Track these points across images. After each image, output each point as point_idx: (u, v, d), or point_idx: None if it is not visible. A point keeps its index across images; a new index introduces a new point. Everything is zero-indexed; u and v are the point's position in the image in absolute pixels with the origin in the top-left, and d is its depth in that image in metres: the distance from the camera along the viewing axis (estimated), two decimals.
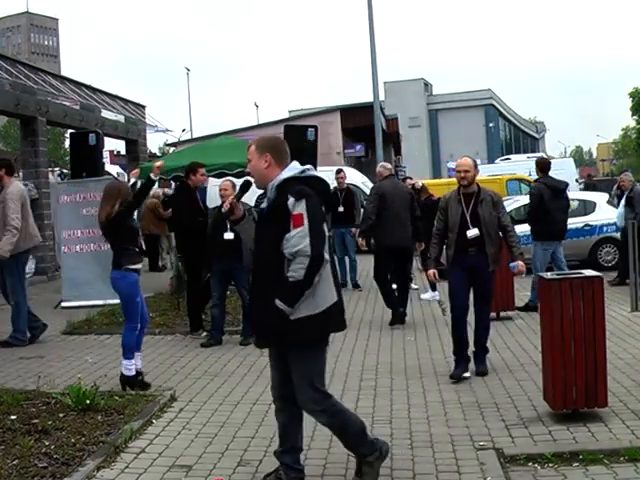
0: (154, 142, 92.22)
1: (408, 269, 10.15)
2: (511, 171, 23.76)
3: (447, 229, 6.82)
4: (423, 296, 11.39)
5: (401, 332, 8.95)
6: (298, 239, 4.01)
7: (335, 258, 4.82)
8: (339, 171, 13.40)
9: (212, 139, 17.98)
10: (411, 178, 14.06)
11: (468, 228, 6.70)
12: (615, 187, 14.14)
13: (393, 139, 38.52)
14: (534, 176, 22.15)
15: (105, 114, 20.11)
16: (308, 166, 4.32)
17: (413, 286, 12.64)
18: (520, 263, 6.78)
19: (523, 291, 10.91)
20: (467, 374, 6.66)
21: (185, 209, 9.05)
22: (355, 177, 20.13)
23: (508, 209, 14.44)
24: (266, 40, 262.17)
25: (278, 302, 4.01)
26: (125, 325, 6.80)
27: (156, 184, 7.57)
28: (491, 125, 73.38)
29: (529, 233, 13.04)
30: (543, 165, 10.34)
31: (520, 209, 15.40)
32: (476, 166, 6.90)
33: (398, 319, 9.34)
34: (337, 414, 4.30)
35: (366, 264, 14.98)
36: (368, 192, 12.21)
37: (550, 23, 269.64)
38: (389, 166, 10.52)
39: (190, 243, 8.84)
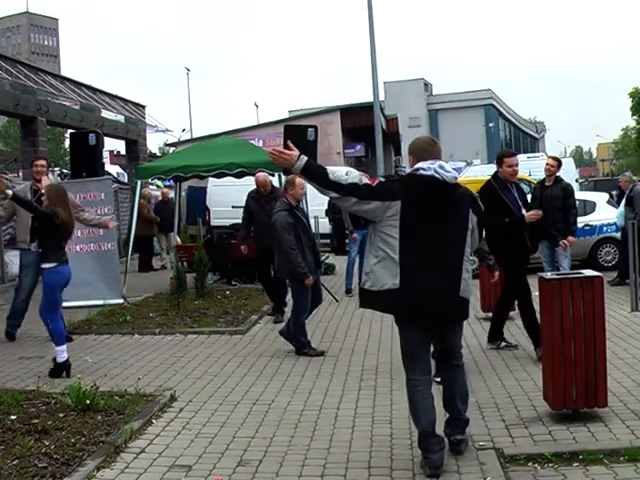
0: (154, 142, 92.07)
1: None
2: None
3: None
4: None
5: None
6: None
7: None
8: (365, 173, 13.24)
9: (212, 139, 18.00)
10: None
11: None
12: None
13: (393, 139, 38.51)
14: (534, 176, 22.30)
15: (105, 114, 20.16)
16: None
17: None
18: None
19: None
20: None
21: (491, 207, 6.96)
22: None
23: None
24: (266, 40, 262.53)
25: None
26: None
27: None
28: (491, 125, 73.37)
29: None
30: None
31: None
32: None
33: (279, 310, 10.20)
34: None
35: None
36: None
37: (550, 23, 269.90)
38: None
39: (504, 244, 7.33)
